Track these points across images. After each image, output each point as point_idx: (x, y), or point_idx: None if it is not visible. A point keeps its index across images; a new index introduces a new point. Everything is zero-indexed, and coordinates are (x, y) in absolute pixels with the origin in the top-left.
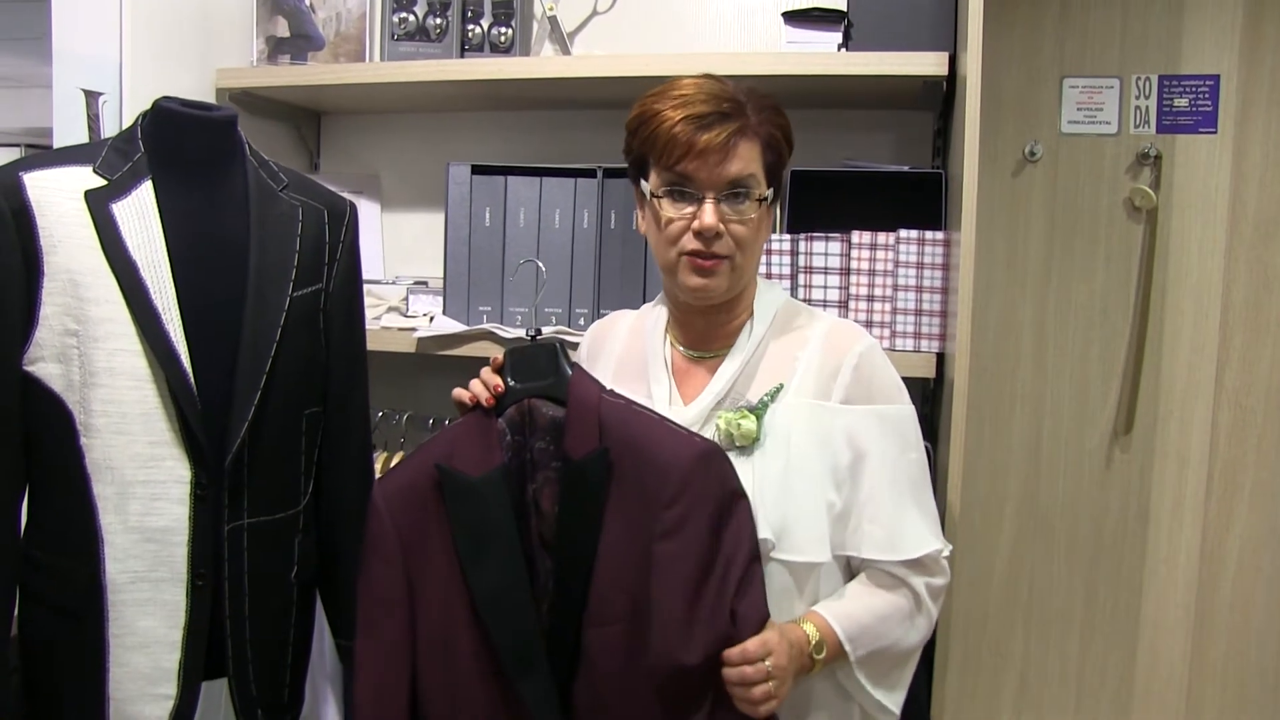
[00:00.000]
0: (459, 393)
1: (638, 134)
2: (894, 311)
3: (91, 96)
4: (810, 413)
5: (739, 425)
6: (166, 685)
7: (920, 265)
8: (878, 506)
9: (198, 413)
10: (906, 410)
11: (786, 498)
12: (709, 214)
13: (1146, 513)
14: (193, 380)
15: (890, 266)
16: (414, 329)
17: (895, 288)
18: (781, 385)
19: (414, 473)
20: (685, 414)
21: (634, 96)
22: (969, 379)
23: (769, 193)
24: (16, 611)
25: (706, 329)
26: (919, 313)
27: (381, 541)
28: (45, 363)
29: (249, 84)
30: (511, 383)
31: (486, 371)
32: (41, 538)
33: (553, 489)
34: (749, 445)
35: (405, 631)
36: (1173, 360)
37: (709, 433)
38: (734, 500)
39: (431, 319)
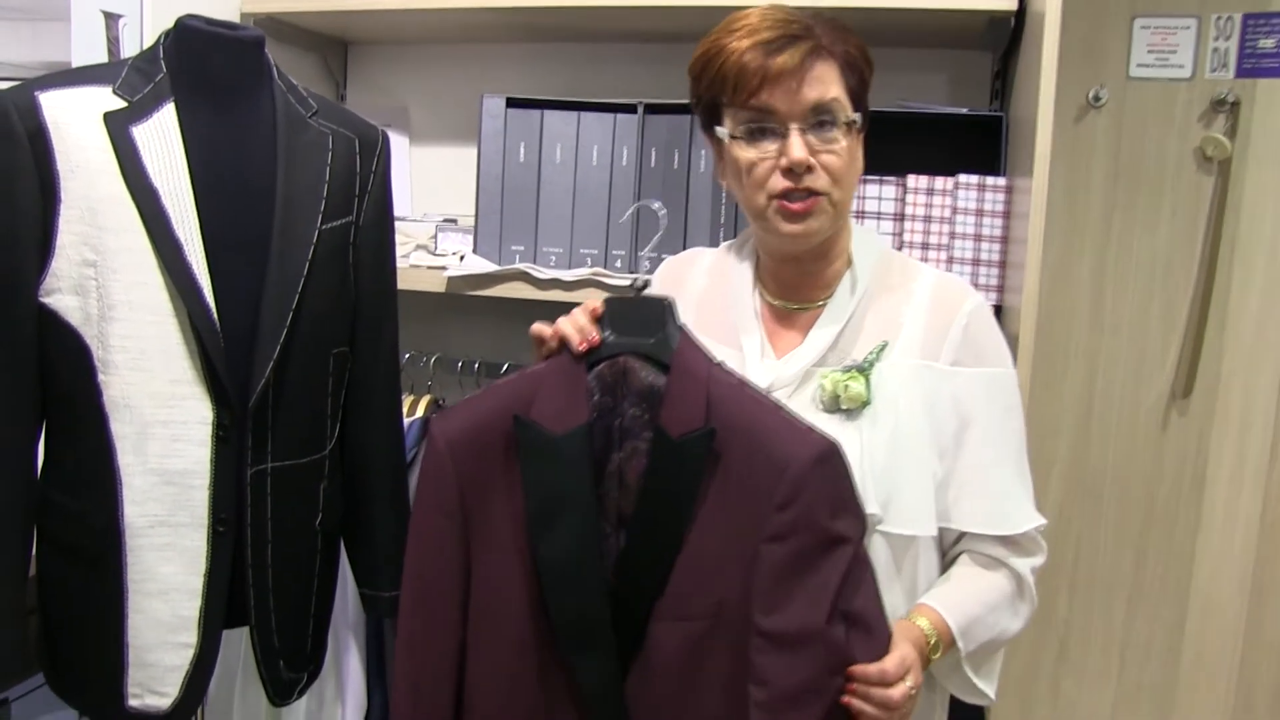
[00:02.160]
0: (540, 329)
1: (704, 75)
2: (950, 261)
3: (111, 19)
4: (918, 375)
5: (847, 387)
6: (186, 633)
7: (980, 212)
8: (982, 477)
9: (220, 350)
10: (1012, 374)
11: (894, 467)
12: (796, 146)
13: (1203, 479)
14: (215, 315)
15: (947, 213)
16: (443, 268)
17: (952, 235)
18: (886, 343)
19: (484, 417)
20: (782, 371)
21: (677, 28)
22: (1033, 335)
23: (857, 116)
24: (35, 553)
25: (800, 278)
26: (976, 263)
27: (441, 489)
28: (62, 295)
29: (274, 9)
30: (609, 335)
31: (580, 315)
32: (59, 478)
33: (640, 462)
34: (855, 409)
35: (457, 593)
36: (1239, 319)
37: (809, 393)
38: (850, 504)
39: (461, 258)
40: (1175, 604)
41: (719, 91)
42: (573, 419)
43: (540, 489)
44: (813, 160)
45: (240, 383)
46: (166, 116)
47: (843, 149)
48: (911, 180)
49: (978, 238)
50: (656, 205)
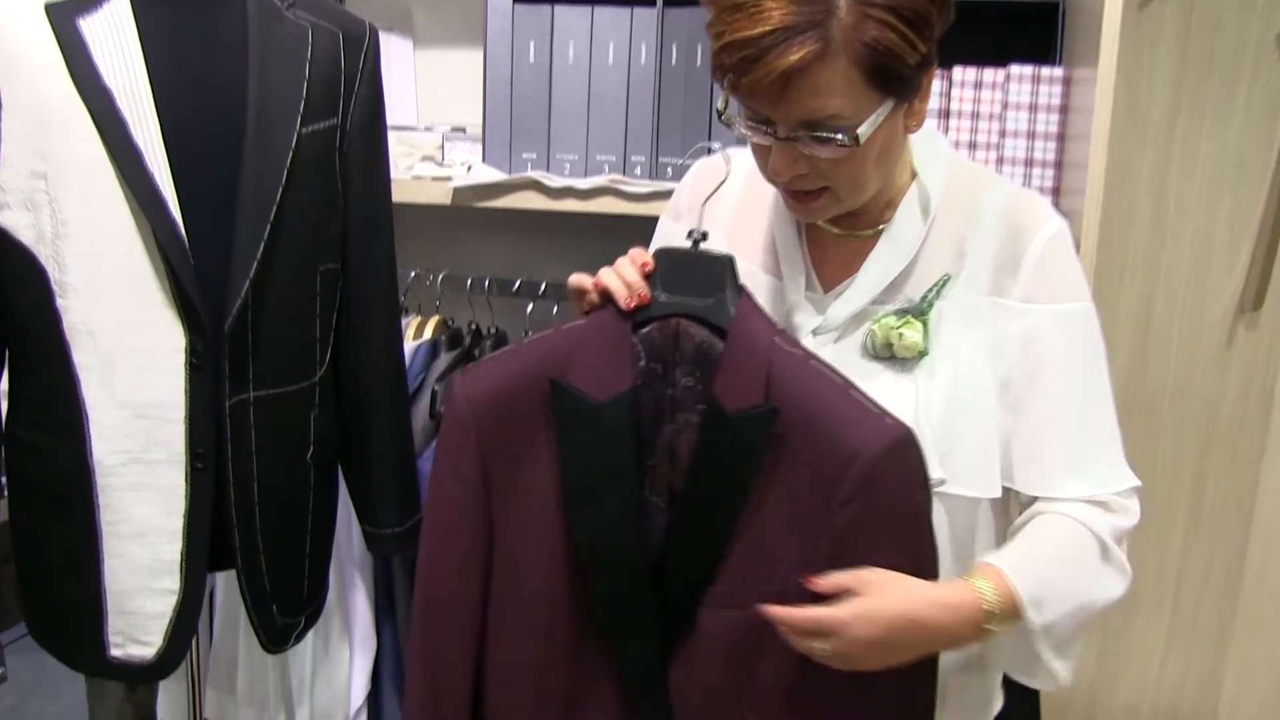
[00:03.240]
0: (580, 280)
1: (711, 39)
2: (1000, 161)
3: None
4: (984, 314)
5: (901, 335)
6: (168, 579)
7: (1033, 107)
8: (1058, 431)
9: (190, 269)
10: (1092, 309)
11: (954, 422)
12: (776, 158)
13: (1270, 399)
14: (183, 231)
15: (997, 109)
16: (449, 179)
17: (1002, 134)
18: (948, 277)
19: (514, 377)
20: (830, 313)
21: None
22: (1096, 243)
23: (865, 128)
24: (6, 496)
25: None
26: (1029, 162)
27: (461, 454)
28: (10, 210)
29: None
30: (660, 294)
31: (627, 267)
32: (23, 414)
33: (692, 436)
34: (911, 359)
35: (477, 571)
36: None
37: (859, 338)
38: (925, 500)
39: (469, 168)
40: (1236, 532)
41: (718, 67)
42: (616, 384)
43: (578, 460)
44: (802, 171)
45: (214, 305)
46: (119, 8)
47: (845, 156)
48: (958, 72)
49: (1031, 135)
50: (716, 146)
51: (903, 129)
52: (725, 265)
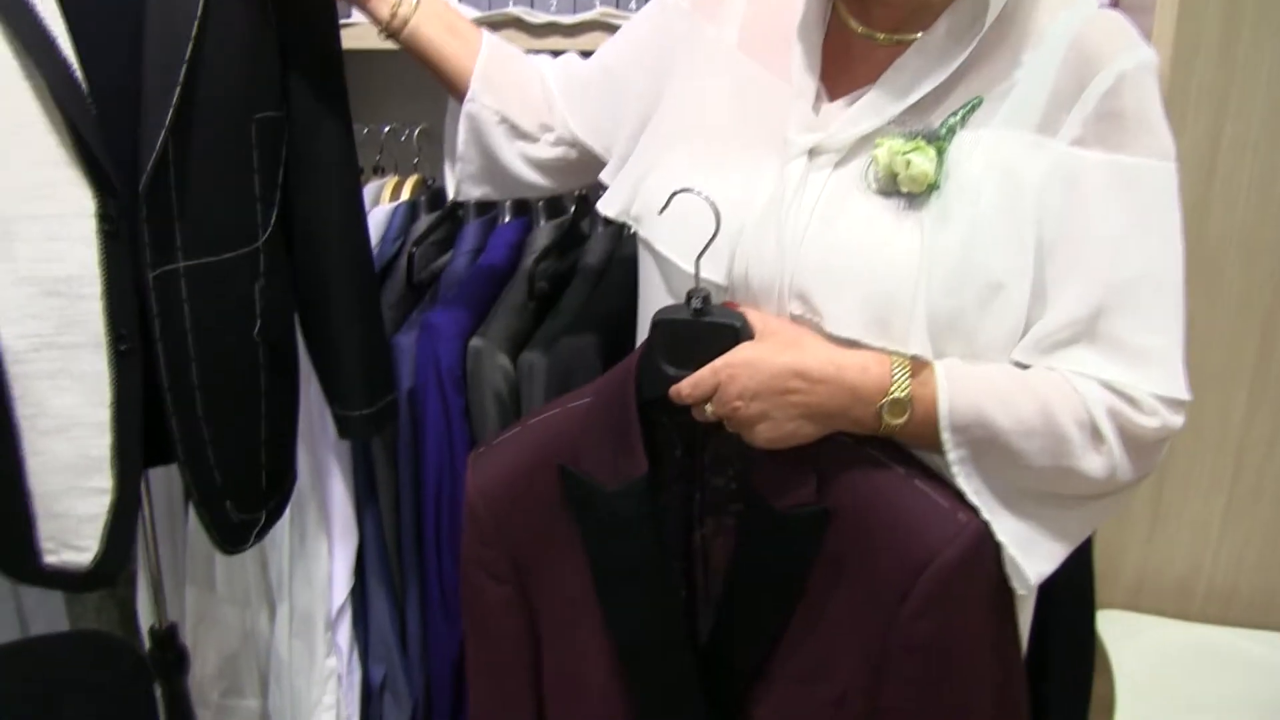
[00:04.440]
0: None
1: None
2: None
3: None
4: (1021, 153)
5: (909, 162)
6: (99, 476)
7: None
8: (1091, 302)
9: (91, 119)
10: (1168, 170)
11: (966, 282)
12: None
13: None
14: (79, 75)
15: None
16: None
17: None
18: (979, 100)
19: (524, 463)
20: (834, 130)
21: None
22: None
23: None
24: None
25: None
26: None
27: (486, 552)
28: None
29: None
30: (667, 369)
31: None
32: None
33: (729, 539)
34: (919, 194)
35: (525, 662)
36: None
37: (862, 161)
38: (1009, 606)
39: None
40: None
41: None
42: (628, 470)
43: (602, 552)
44: None
45: (126, 161)
46: None
47: None
48: None
49: None
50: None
51: None
52: (738, 335)
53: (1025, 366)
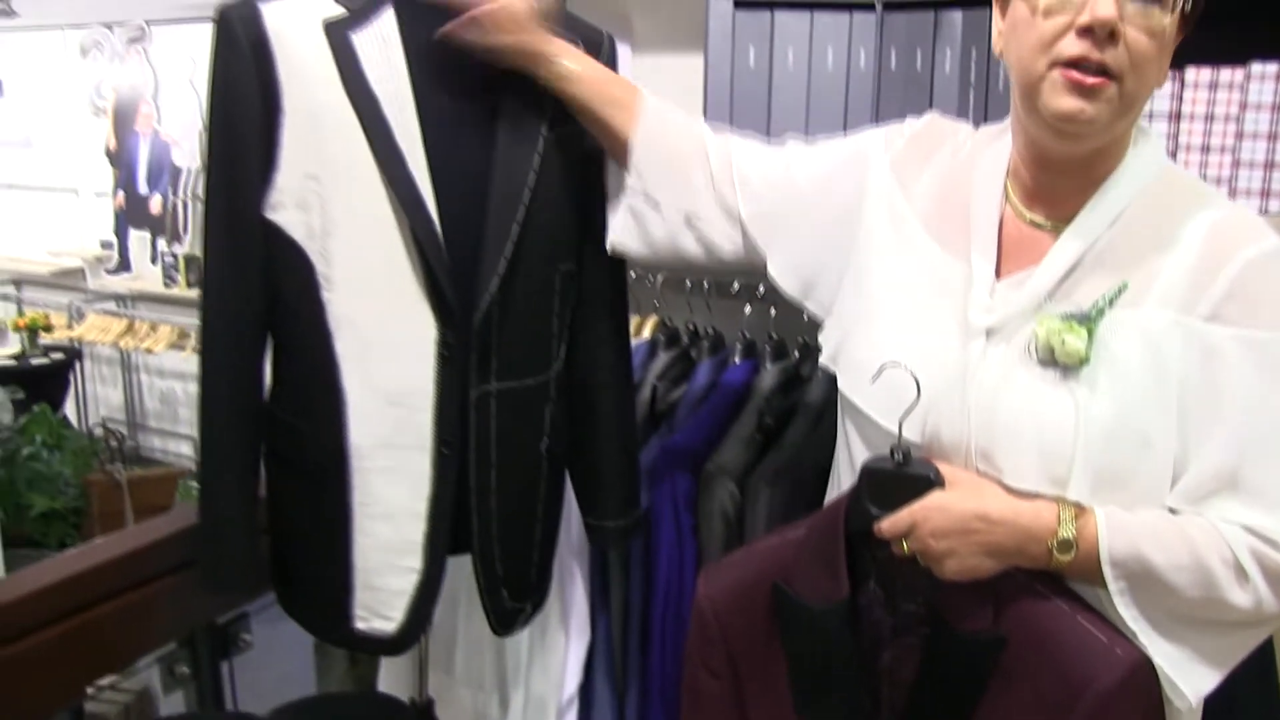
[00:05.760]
0: None
1: None
2: (1235, 165)
3: None
4: (1164, 332)
5: (1064, 341)
6: (411, 558)
7: (1276, 108)
8: (1231, 458)
9: (445, 265)
10: None
11: (1118, 444)
12: (1104, 3)
13: None
14: (439, 229)
15: (1235, 110)
16: None
17: (1239, 135)
18: (1126, 285)
19: (748, 580)
20: (1004, 307)
21: None
22: None
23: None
24: (264, 473)
25: (1053, 185)
26: (1270, 165)
27: (708, 648)
28: (286, 209)
29: None
30: (872, 509)
31: None
32: (285, 397)
33: (914, 657)
34: (1073, 366)
35: None
36: None
37: (1026, 335)
38: None
39: None
40: None
41: None
42: (832, 593)
43: (801, 662)
44: (1119, 27)
45: (465, 299)
46: (386, 23)
47: (1160, 31)
48: (1191, 73)
49: (1272, 137)
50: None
51: (1168, 59)
52: (931, 484)
53: (1177, 513)
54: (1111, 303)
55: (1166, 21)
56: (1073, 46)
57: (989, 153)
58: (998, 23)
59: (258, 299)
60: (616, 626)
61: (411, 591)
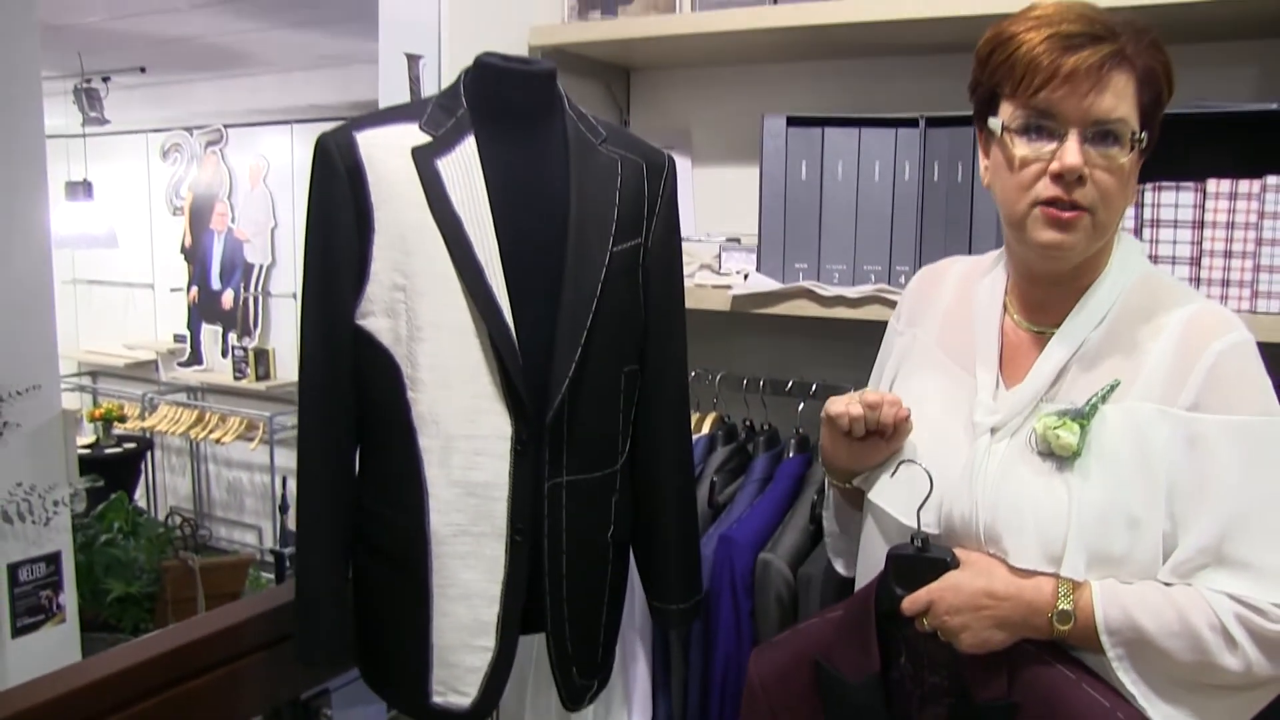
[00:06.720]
0: (838, 409)
1: (990, 61)
2: (1256, 269)
3: (412, 59)
4: (1151, 422)
5: (1058, 435)
6: (485, 637)
7: None
8: (1216, 533)
9: (519, 368)
10: (1270, 422)
11: (1112, 527)
12: (1071, 152)
13: None
14: (514, 335)
15: (1254, 218)
16: (728, 286)
17: (1259, 242)
18: (1117, 382)
19: (793, 658)
20: (1005, 409)
21: (957, 39)
22: None
23: (1144, 136)
24: (353, 558)
25: (1046, 297)
26: None
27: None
28: (375, 317)
29: (561, 40)
30: (897, 589)
31: (853, 398)
32: (372, 489)
33: None
34: (1066, 457)
35: None
36: None
37: (1025, 432)
38: None
39: (745, 276)
40: None
41: (1002, 80)
42: (866, 667)
43: None
44: (1086, 172)
45: (538, 399)
46: (468, 148)
47: (1120, 169)
48: (1212, 185)
49: None
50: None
51: (1134, 184)
52: (947, 566)
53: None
54: (1105, 398)
55: (1125, 160)
56: (1048, 189)
57: (987, 279)
58: (983, 160)
59: (349, 399)
60: (676, 703)
61: (485, 669)
